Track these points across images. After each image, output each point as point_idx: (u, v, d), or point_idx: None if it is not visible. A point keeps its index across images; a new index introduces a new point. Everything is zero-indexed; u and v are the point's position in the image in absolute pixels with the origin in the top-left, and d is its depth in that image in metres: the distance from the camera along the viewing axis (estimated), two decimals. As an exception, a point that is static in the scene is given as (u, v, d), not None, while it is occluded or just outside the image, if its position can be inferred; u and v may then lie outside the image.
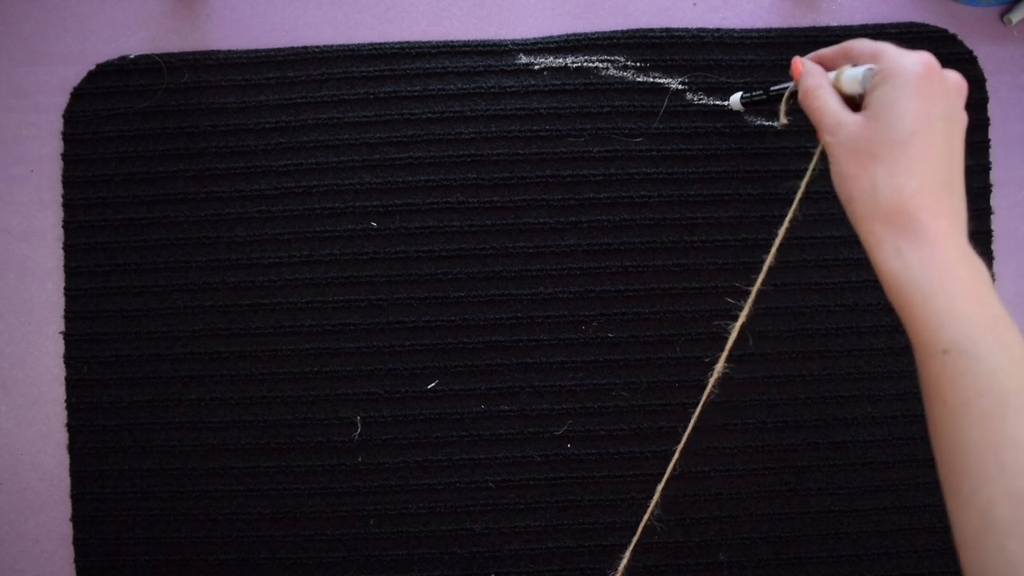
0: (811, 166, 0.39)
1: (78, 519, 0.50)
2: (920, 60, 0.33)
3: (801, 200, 0.39)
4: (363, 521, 0.50)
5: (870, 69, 0.34)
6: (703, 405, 0.45)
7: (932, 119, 0.32)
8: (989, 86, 0.51)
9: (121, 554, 0.50)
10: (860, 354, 0.50)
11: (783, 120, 0.42)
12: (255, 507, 0.50)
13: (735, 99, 0.48)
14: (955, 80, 0.33)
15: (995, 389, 0.27)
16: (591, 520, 0.50)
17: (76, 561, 0.50)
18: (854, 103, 0.36)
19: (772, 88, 0.44)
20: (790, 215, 0.41)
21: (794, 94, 0.40)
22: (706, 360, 0.50)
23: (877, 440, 0.50)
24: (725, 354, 0.43)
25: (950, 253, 0.30)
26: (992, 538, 0.26)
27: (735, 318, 0.50)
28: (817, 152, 0.38)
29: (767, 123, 0.51)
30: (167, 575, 0.50)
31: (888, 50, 0.34)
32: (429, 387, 0.50)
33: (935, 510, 0.50)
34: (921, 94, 0.32)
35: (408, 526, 0.50)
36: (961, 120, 0.33)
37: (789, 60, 0.51)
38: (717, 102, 0.51)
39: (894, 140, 0.32)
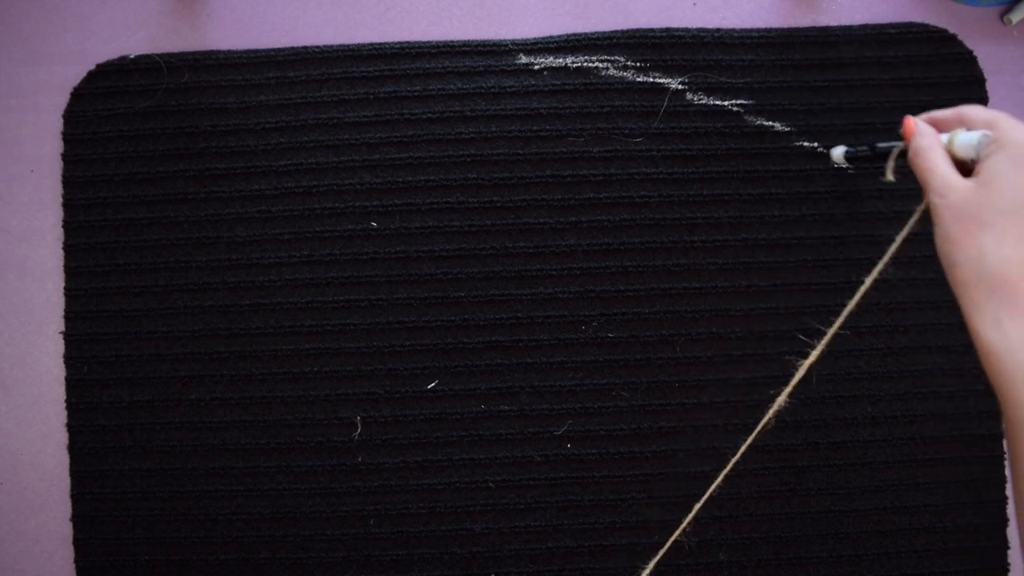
0: (910, 223, 0.39)
1: (78, 519, 0.50)
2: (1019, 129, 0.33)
3: (894, 255, 0.40)
4: (363, 521, 0.50)
5: (985, 135, 0.35)
6: (759, 430, 0.46)
7: None
8: (989, 86, 0.51)
9: (121, 554, 0.50)
10: (860, 354, 0.50)
11: (890, 178, 0.42)
12: (255, 507, 0.50)
13: (838, 153, 0.48)
14: None
15: None
16: (591, 520, 0.50)
17: (76, 561, 0.50)
18: (964, 168, 0.36)
19: (879, 145, 0.45)
20: (880, 266, 0.41)
21: (903, 152, 0.41)
22: (705, 360, 0.50)
23: (877, 440, 0.50)
24: (788, 389, 0.44)
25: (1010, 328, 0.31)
26: None
27: (734, 319, 0.50)
28: (919, 210, 0.38)
29: (767, 123, 0.51)
30: (167, 575, 0.50)
31: (1004, 120, 0.34)
32: (429, 387, 0.50)
33: (935, 510, 0.50)
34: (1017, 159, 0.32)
35: (408, 526, 0.50)
36: None
37: (789, 60, 0.51)
38: (718, 101, 0.51)
39: (1005, 209, 0.32)
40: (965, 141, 0.36)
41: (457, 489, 0.50)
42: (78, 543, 0.50)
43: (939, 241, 0.34)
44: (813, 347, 0.50)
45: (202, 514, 0.50)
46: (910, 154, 0.38)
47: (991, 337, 0.31)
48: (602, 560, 0.49)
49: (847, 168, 0.50)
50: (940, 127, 0.39)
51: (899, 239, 0.40)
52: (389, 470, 0.50)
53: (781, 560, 0.49)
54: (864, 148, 0.46)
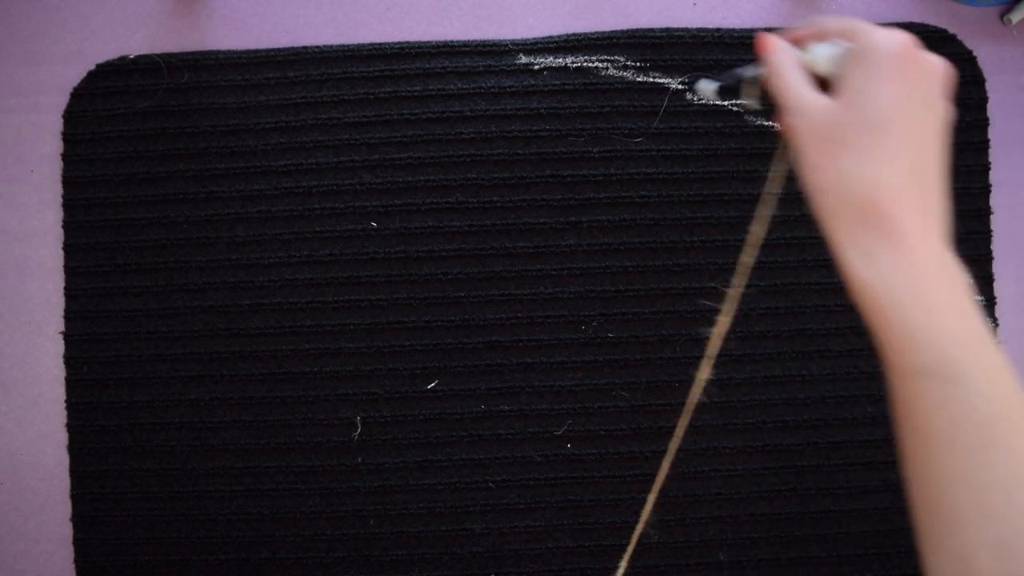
0: (777, 155, 0.35)
1: (78, 519, 0.50)
2: (898, 40, 0.29)
3: (769, 194, 0.36)
4: (363, 521, 0.50)
5: (844, 48, 0.31)
6: (690, 409, 0.45)
7: (910, 105, 0.29)
8: (989, 86, 0.51)
9: (121, 554, 0.50)
10: (859, 354, 0.50)
11: (751, 103, 0.38)
12: (255, 507, 0.50)
13: (709, 88, 0.42)
14: (936, 63, 0.30)
15: (979, 420, 0.24)
16: (591, 520, 0.50)
17: (76, 561, 0.50)
18: (827, 86, 0.32)
19: (738, 71, 0.40)
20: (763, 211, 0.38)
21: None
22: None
23: (876, 440, 0.50)
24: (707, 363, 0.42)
25: (929, 259, 0.27)
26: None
27: (734, 319, 0.50)
28: (783, 141, 0.34)
29: (767, 123, 0.51)
30: (167, 575, 0.50)
31: (864, 28, 0.30)
32: (429, 387, 0.50)
33: (935, 510, 0.50)
34: (898, 77, 0.29)
35: (408, 526, 0.50)
36: (941, 108, 0.30)
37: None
38: (717, 101, 0.51)
39: (867, 127, 0.28)
40: (822, 54, 0.32)
41: (457, 489, 0.50)
42: (78, 543, 0.50)
43: (801, 168, 0.30)
44: (812, 346, 0.50)
45: (202, 514, 0.50)
46: (766, 73, 0.33)
47: (864, 274, 0.27)
48: (602, 560, 0.49)
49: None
50: (800, 43, 0.34)
51: (773, 174, 0.36)
52: (389, 470, 0.50)
53: (781, 560, 0.49)
54: (729, 77, 0.40)
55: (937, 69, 0.30)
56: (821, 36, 0.33)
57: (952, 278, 0.27)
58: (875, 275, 0.27)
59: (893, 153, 0.28)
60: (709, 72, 0.51)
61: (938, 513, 0.25)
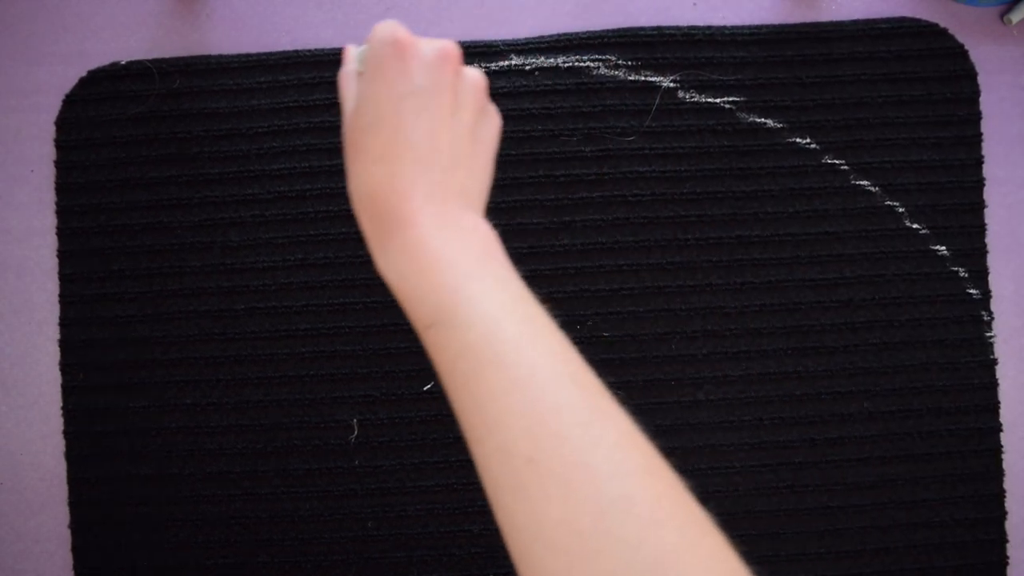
0: None
1: (76, 525, 0.50)
2: (380, 36, 0.30)
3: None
4: (361, 523, 0.50)
5: (363, 48, 0.32)
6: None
7: (399, 98, 0.30)
8: (989, 86, 0.51)
9: (119, 558, 0.50)
10: (855, 350, 0.50)
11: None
12: (253, 511, 0.50)
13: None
14: (436, 49, 0.31)
15: (473, 349, 0.27)
16: (589, 519, 0.50)
17: (75, 568, 0.50)
18: None
19: None
20: None
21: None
22: (700, 357, 0.50)
23: (874, 436, 0.50)
24: None
25: (425, 230, 0.29)
26: (491, 490, 0.27)
27: (729, 316, 0.50)
28: None
29: (759, 120, 0.51)
30: (166, 580, 0.50)
31: (376, 27, 0.31)
32: (425, 388, 0.50)
33: (933, 505, 0.50)
34: (382, 74, 0.30)
35: (406, 528, 0.50)
36: (442, 90, 0.30)
37: (780, 57, 0.51)
38: (710, 99, 0.51)
39: (365, 127, 0.30)
40: (353, 56, 0.33)
41: (455, 490, 0.50)
42: (76, 549, 0.50)
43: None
44: (809, 342, 0.50)
45: (200, 518, 0.50)
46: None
47: (380, 262, 0.30)
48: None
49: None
50: None
51: None
52: (387, 472, 0.50)
53: (779, 557, 0.49)
54: None
55: (437, 54, 0.31)
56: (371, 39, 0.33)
57: (456, 239, 0.29)
58: (386, 262, 0.29)
59: (387, 147, 0.30)
60: (703, 70, 0.51)
61: (467, 435, 0.28)
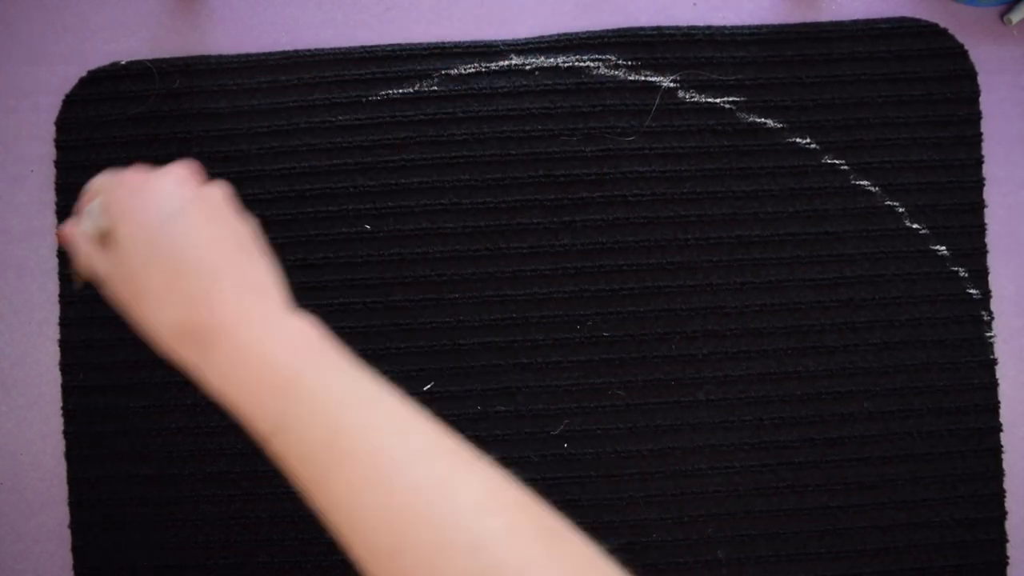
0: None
1: (76, 525, 0.50)
2: (107, 183, 0.31)
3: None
4: (361, 524, 0.50)
5: (97, 202, 0.32)
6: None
7: (158, 227, 0.30)
8: (989, 86, 0.51)
9: (120, 558, 0.50)
10: (856, 349, 0.50)
11: (78, 285, 0.37)
12: (253, 511, 0.50)
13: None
14: (170, 172, 0.32)
15: (317, 456, 0.27)
16: (589, 519, 0.49)
17: (75, 568, 0.50)
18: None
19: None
20: None
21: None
22: (700, 357, 0.50)
23: (874, 435, 0.50)
24: None
25: (246, 336, 0.29)
26: None
27: (730, 316, 0.50)
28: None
29: (759, 120, 0.51)
30: (166, 580, 0.50)
31: (100, 179, 0.32)
32: (425, 389, 0.50)
33: (933, 505, 0.50)
34: (130, 214, 0.31)
35: (406, 528, 0.50)
36: (194, 204, 0.31)
37: (780, 57, 0.51)
38: (710, 99, 0.51)
39: (138, 268, 0.30)
40: (90, 215, 0.33)
41: (454, 490, 0.50)
42: (76, 550, 0.50)
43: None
44: (809, 342, 0.50)
45: (200, 518, 0.50)
46: (73, 259, 0.34)
47: (215, 386, 0.30)
48: (600, 559, 0.49)
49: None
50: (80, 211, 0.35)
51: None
52: (386, 472, 0.50)
53: (779, 557, 0.49)
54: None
55: (172, 179, 0.32)
56: (92, 196, 0.34)
57: (283, 334, 0.29)
58: (218, 378, 0.29)
59: (173, 278, 0.30)
60: (703, 70, 0.51)
61: (337, 537, 0.27)
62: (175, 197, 0.31)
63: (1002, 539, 0.50)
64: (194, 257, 0.30)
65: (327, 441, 0.27)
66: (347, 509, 0.26)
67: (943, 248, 0.51)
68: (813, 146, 0.51)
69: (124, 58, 0.52)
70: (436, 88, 0.51)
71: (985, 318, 0.51)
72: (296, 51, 0.51)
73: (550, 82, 0.51)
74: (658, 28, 0.51)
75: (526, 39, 0.51)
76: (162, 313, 0.30)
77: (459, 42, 0.51)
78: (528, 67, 0.51)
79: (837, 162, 0.51)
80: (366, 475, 0.26)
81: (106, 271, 0.32)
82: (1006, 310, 0.51)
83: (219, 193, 0.33)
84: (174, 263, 0.30)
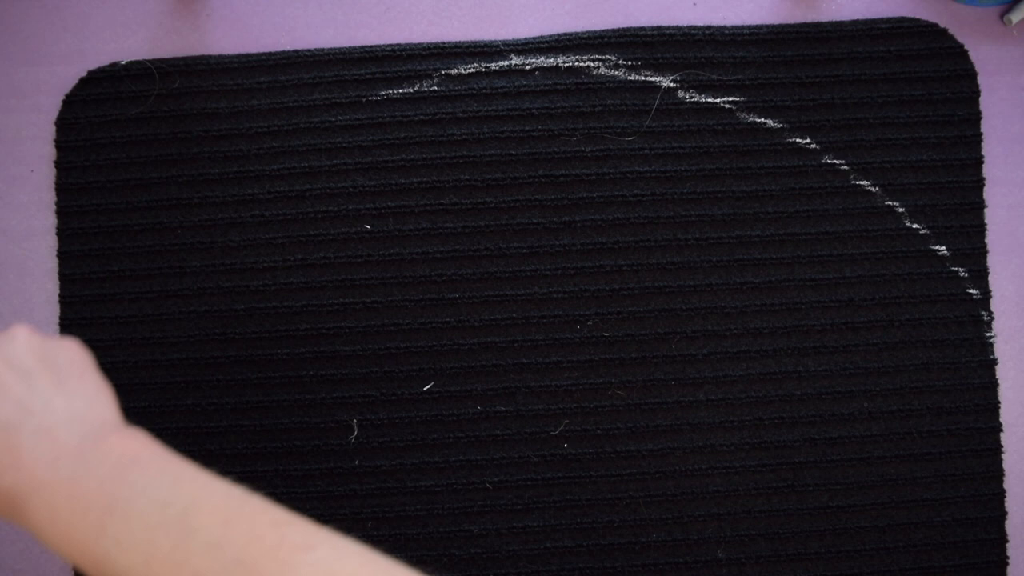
0: None
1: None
2: None
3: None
4: (361, 524, 0.50)
5: None
6: None
7: None
8: (989, 86, 0.51)
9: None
10: (855, 349, 0.50)
11: None
12: (253, 511, 0.50)
13: None
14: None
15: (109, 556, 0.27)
16: (589, 519, 0.50)
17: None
18: None
19: None
20: None
21: None
22: (701, 357, 0.50)
23: (874, 435, 0.50)
24: None
25: (47, 492, 0.28)
26: None
27: (730, 316, 0.50)
28: None
29: (759, 120, 0.51)
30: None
31: None
32: (425, 389, 0.50)
33: (933, 505, 0.50)
34: None
35: (406, 528, 0.50)
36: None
37: (780, 57, 0.51)
38: (710, 99, 0.51)
39: None
40: None
41: (454, 491, 0.50)
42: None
43: None
44: (808, 342, 0.50)
45: (200, 519, 0.50)
46: None
47: (52, 550, 0.28)
48: (600, 559, 0.49)
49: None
50: None
51: None
52: (386, 473, 0.50)
53: (780, 557, 0.49)
54: None
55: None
56: None
57: (87, 471, 0.28)
58: (45, 541, 0.28)
59: None
60: (703, 70, 0.51)
61: None
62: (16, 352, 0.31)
63: (1002, 539, 0.50)
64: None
65: (146, 574, 0.26)
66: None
67: (943, 248, 0.51)
68: (813, 146, 0.51)
69: (124, 58, 0.52)
70: (436, 88, 0.51)
71: (985, 318, 0.51)
72: (296, 51, 0.51)
73: (550, 82, 0.51)
74: (658, 28, 0.51)
75: (526, 39, 0.51)
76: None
77: (459, 42, 0.51)
78: (528, 67, 0.51)
79: (837, 162, 0.51)
80: None
81: None
82: (1006, 310, 0.51)
83: (15, 338, 0.33)
84: None
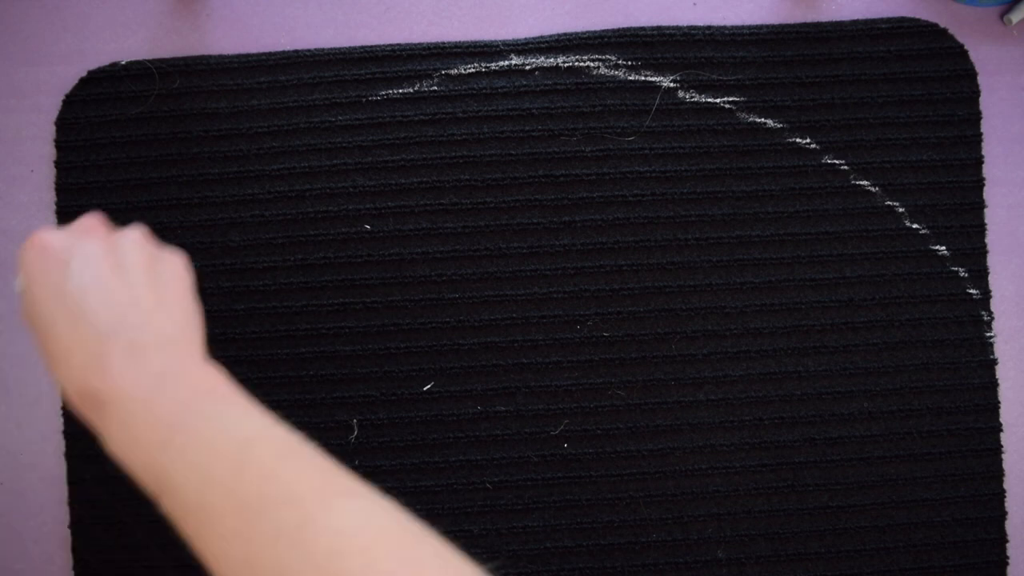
0: None
1: (76, 525, 0.50)
2: (26, 244, 0.32)
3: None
4: (361, 524, 0.50)
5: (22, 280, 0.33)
6: None
7: (58, 286, 0.31)
8: (989, 86, 0.51)
9: (119, 559, 0.50)
10: (856, 349, 0.50)
11: None
12: (253, 511, 0.50)
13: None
14: (71, 228, 0.33)
15: (193, 517, 0.28)
16: (589, 519, 0.50)
17: (75, 568, 0.50)
18: None
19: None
20: None
21: None
22: (701, 357, 0.50)
23: (874, 435, 0.50)
24: None
25: (129, 398, 0.29)
26: None
27: (730, 316, 0.50)
28: None
29: (759, 120, 0.51)
30: (166, 580, 0.50)
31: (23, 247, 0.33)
32: (425, 389, 0.50)
33: (933, 505, 0.50)
34: (35, 276, 0.32)
35: (406, 528, 0.50)
36: (94, 259, 0.32)
37: (780, 57, 0.51)
38: (710, 99, 0.51)
39: (47, 329, 0.31)
40: (18, 285, 0.33)
41: (454, 491, 0.50)
42: (76, 549, 0.50)
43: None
44: (809, 342, 0.50)
45: (200, 519, 0.50)
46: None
47: (116, 454, 0.30)
48: (600, 559, 0.49)
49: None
50: None
51: None
52: (386, 472, 0.50)
53: (779, 557, 0.49)
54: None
55: (77, 232, 0.33)
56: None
57: (166, 389, 0.29)
58: (116, 445, 0.29)
59: (72, 339, 0.30)
60: (703, 70, 0.51)
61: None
62: (77, 252, 0.32)
63: (1002, 539, 0.50)
64: (91, 319, 0.30)
65: (194, 508, 0.27)
66: (222, 563, 0.27)
67: (943, 248, 0.51)
68: (813, 146, 0.51)
69: (124, 58, 0.52)
70: (436, 88, 0.51)
71: (985, 318, 0.51)
72: (296, 51, 0.51)
73: (550, 82, 0.51)
74: (658, 28, 0.51)
75: (526, 39, 0.51)
76: (68, 375, 0.30)
77: (459, 42, 0.51)
78: (528, 67, 0.51)
79: (837, 162, 0.51)
80: (232, 528, 0.27)
81: (32, 329, 0.33)
82: (1006, 310, 0.51)
83: (131, 240, 0.33)
84: (74, 323, 0.30)
